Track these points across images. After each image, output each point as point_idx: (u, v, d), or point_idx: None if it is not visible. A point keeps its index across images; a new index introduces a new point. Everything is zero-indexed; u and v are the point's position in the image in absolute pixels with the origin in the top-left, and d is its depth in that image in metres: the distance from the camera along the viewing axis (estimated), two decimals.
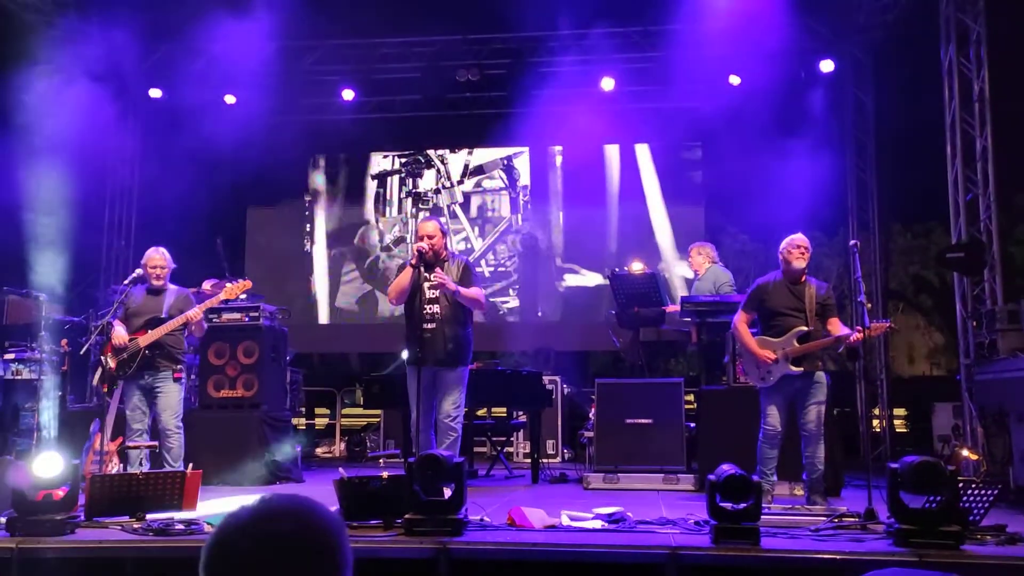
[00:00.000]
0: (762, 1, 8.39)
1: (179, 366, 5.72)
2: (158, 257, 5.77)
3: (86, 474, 4.96)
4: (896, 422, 10.75)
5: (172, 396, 5.65)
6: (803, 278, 5.28)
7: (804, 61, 9.79)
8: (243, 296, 6.47)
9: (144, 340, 5.58)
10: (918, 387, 13.86)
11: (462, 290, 5.18)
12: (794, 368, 5.14)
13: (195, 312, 5.64)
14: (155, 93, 10.45)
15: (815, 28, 9.63)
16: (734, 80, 9.88)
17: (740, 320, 5.42)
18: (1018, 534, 3.83)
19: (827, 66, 9.74)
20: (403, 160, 11.33)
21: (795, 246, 5.25)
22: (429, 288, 5.23)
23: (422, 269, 5.16)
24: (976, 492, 4.02)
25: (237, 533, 1.21)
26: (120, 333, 5.60)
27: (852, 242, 5.29)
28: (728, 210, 11.33)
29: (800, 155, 9.32)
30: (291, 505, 1.26)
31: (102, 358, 5.65)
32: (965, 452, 6.80)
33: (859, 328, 4.97)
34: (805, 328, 5.15)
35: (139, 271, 5.86)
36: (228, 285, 5.82)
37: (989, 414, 6.29)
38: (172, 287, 5.86)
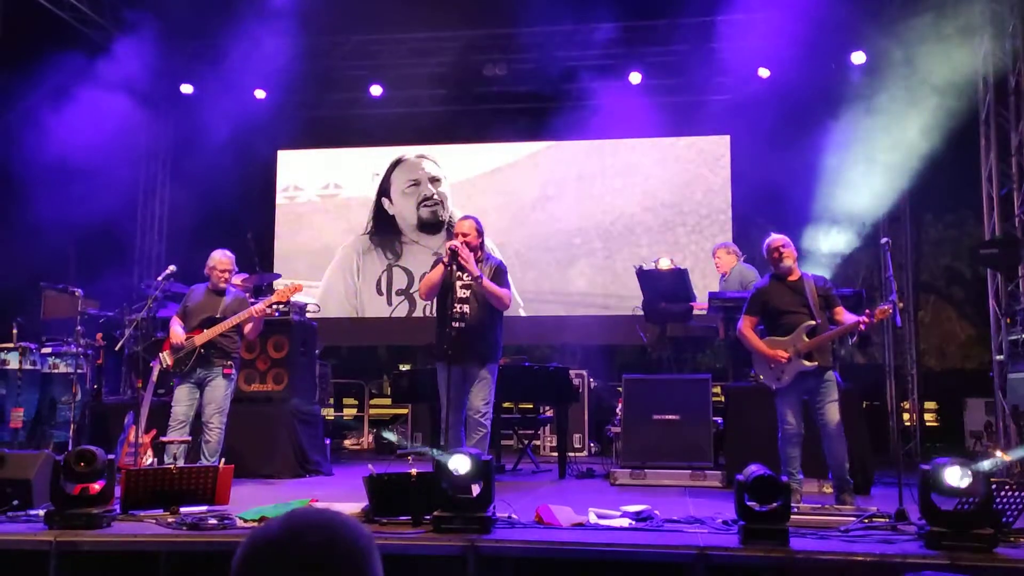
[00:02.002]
0: None
1: (230, 362, 5.82)
2: (225, 260, 5.89)
3: (121, 466, 5.06)
4: (927, 416, 10.64)
5: (219, 390, 5.75)
6: (798, 274, 5.30)
7: (835, 53, 9.65)
8: (294, 300, 6.58)
9: (200, 339, 5.69)
10: (949, 380, 13.65)
11: (486, 280, 5.17)
12: (808, 363, 5.12)
13: (257, 309, 5.73)
14: (186, 89, 10.57)
15: (846, 19, 9.49)
16: (763, 73, 9.78)
17: (745, 325, 5.39)
18: None
19: (858, 58, 9.61)
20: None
21: (772, 249, 5.33)
22: (461, 287, 5.25)
23: (454, 267, 5.17)
24: (1010, 494, 3.96)
25: (266, 548, 1.21)
26: (177, 332, 5.73)
27: (883, 240, 5.24)
28: (756, 202, 11.21)
29: (830, 147, 9.21)
30: (320, 519, 1.25)
31: (160, 355, 5.76)
32: (998, 453, 6.70)
33: (867, 312, 4.97)
34: (813, 322, 5.14)
35: (172, 268, 5.97)
36: (279, 287, 5.92)
37: (1023, 413, 6.20)
38: (231, 288, 6.00)
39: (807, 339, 5.13)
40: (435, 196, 11.24)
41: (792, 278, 5.30)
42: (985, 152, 7.70)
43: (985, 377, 7.98)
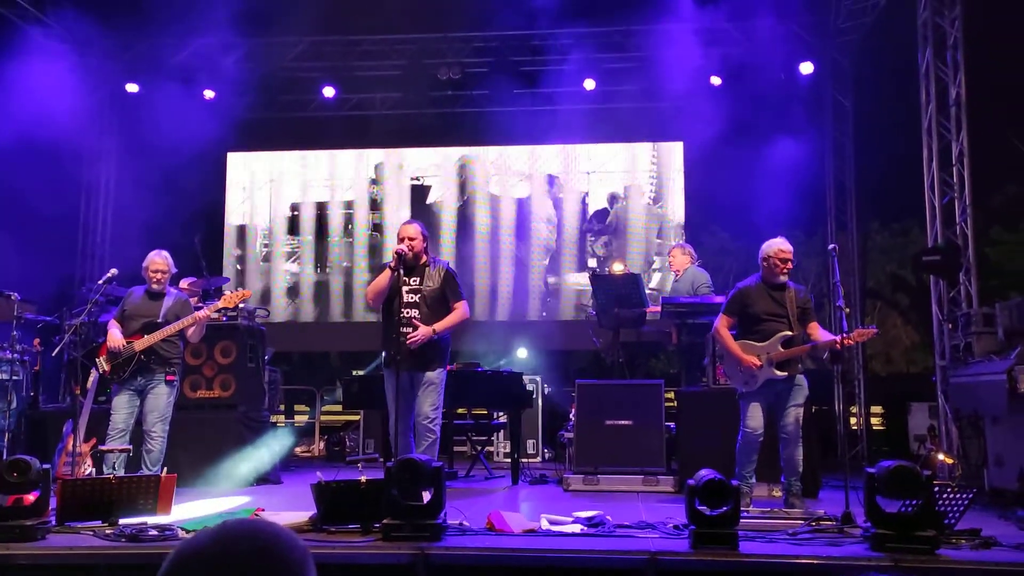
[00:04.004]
0: (743, 3, 8.43)
1: (172, 369, 5.63)
2: (160, 261, 5.67)
3: (58, 476, 4.89)
4: (873, 420, 10.86)
5: (160, 398, 5.56)
6: (783, 283, 5.30)
7: (784, 63, 9.84)
8: (242, 305, 6.42)
9: (140, 345, 5.49)
10: (895, 385, 13.99)
11: (440, 327, 5.15)
12: (779, 372, 5.15)
13: (200, 315, 5.55)
14: (132, 88, 10.32)
15: (795, 31, 9.68)
16: (715, 81, 9.91)
17: (722, 325, 5.37)
18: (993, 538, 3.86)
19: (807, 68, 9.80)
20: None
21: (781, 259, 5.22)
22: (408, 292, 5.19)
23: (401, 272, 5.12)
24: (952, 496, 4.05)
25: (194, 561, 1.17)
26: (115, 335, 5.52)
27: (831, 246, 5.29)
28: (709, 208, 11.38)
29: (780, 155, 9.38)
30: (252, 531, 1.21)
31: (96, 361, 5.54)
32: (940, 456, 6.86)
33: (845, 335, 5.00)
34: (790, 333, 5.16)
35: (114, 271, 5.79)
36: (227, 293, 5.75)
37: (964, 416, 6.35)
38: (172, 290, 5.79)
39: (782, 349, 5.15)
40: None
41: (778, 287, 5.28)
42: (928, 162, 7.88)
43: (929, 381, 8.17)
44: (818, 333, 5.20)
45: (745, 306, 5.31)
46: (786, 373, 5.15)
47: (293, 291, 11.29)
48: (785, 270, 5.24)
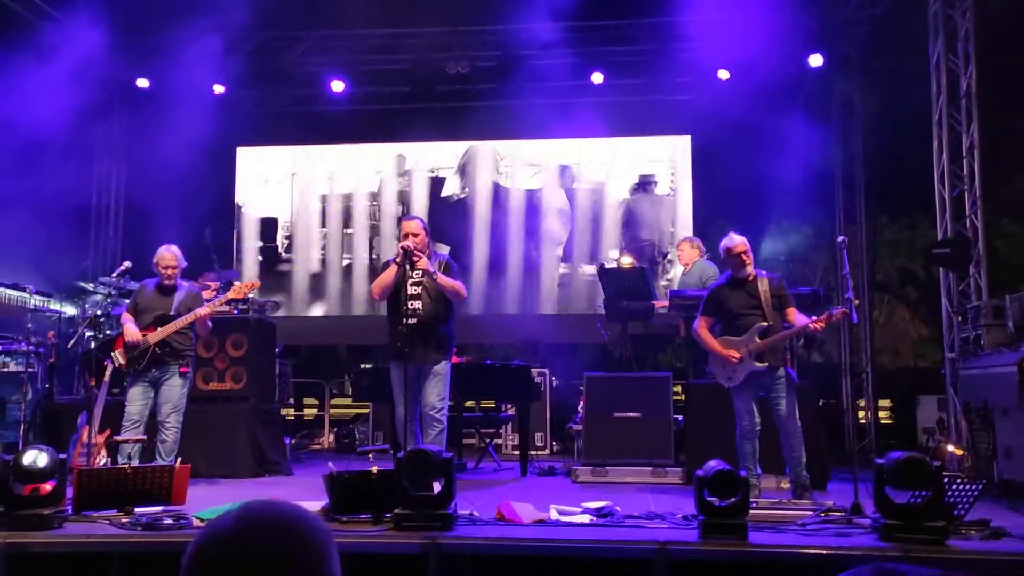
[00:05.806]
0: None
1: (185, 361, 5.71)
2: (169, 256, 5.76)
3: (73, 467, 4.94)
4: (881, 414, 10.86)
5: (174, 390, 5.65)
6: (754, 274, 5.36)
7: (792, 55, 9.80)
8: (251, 295, 6.48)
9: (154, 337, 5.58)
10: (903, 379, 13.95)
11: (441, 276, 5.24)
12: (759, 364, 5.21)
13: (204, 310, 5.63)
14: (142, 83, 10.36)
15: (803, 23, 9.64)
16: (723, 74, 9.89)
17: (701, 325, 5.49)
18: (1002, 529, 3.87)
19: (815, 60, 9.76)
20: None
21: (735, 253, 5.33)
22: (412, 284, 5.31)
23: (407, 267, 5.21)
24: (961, 487, 4.06)
25: (219, 544, 1.16)
26: (132, 330, 5.59)
27: (840, 238, 5.33)
28: (717, 202, 11.35)
29: (788, 148, 9.35)
30: (275, 514, 1.20)
31: (112, 354, 5.62)
32: (950, 447, 6.87)
33: (816, 317, 5.06)
34: (765, 323, 5.23)
35: (127, 264, 5.85)
36: (236, 284, 5.81)
37: (973, 408, 6.35)
38: (184, 284, 5.88)
39: (759, 340, 5.21)
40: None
41: (748, 279, 5.35)
42: (938, 154, 7.85)
43: (937, 375, 8.16)
44: (795, 318, 5.25)
45: (719, 304, 5.42)
46: (766, 364, 5.20)
47: (288, 285, 11.33)
48: (741, 264, 5.32)
